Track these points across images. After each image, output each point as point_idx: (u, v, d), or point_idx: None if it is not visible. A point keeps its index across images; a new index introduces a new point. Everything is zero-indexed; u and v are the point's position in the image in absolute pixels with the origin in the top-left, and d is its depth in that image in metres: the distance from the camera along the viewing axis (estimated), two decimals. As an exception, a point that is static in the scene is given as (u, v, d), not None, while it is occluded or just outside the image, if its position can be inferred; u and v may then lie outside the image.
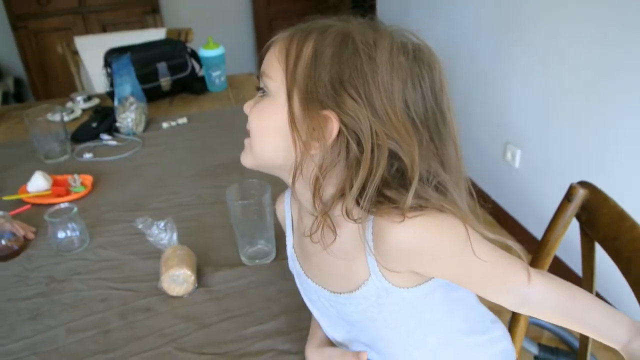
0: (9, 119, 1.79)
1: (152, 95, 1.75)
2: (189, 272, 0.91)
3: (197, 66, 1.89)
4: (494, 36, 2.20)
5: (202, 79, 1.90)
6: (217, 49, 1.81)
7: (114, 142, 1.52)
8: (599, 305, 0.64)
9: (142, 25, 3.44)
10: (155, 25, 3.47)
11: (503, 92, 2.22)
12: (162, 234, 1.01)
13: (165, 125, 1.61)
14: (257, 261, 0.99)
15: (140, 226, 1.02)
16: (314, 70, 0.58)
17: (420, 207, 0.56)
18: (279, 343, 0.81)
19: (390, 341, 0.68)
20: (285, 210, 0.77)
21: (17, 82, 3.67)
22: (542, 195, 2.07)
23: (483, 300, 0.78)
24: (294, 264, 0.75)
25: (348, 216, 0.58)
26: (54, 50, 3.36)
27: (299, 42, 0.59)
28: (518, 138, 2.17)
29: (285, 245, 0.77)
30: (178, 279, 0.91)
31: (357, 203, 0.58)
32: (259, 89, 0.64)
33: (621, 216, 0.87)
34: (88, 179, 1.29)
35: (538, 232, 1.98)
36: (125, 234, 1.09)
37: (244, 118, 0.66)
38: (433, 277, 0.63)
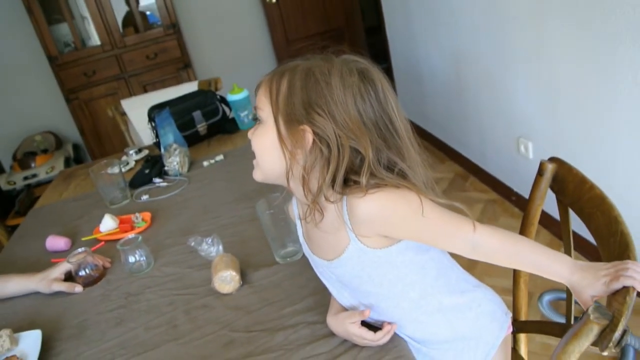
0: (76, 177, 2.10)
1: (192, 140, 2.02)
2: (234, 273, 1.13)
3: (227, 109, 2.15)
4: (493, 40, 2.38)
5: (233, 120, 2.16)
6: (242, 93, 2.07)
7: (164, 184, 1.78)
8: (542, 248, 0.82)
9: (177, 80, 3.79)
10: (189, 78, 3.82)
11: (508, 90, 2.38)
12: (211, 248, 1.24)
13: (205, 163, 1.87)
14: (288, 259, 1.20)
15: (192, 244, 1.26)
16: (290, 99, 0.81)
17: (379, 185, 0.77)
18: (309, 317, 1.02)
19: (379, 295, 0.88)
20: (294, 210, 0.99)
21: (75, 147, 4.09)
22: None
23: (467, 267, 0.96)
24: (305, 249, 0.96)
25: (326, 199, 0.79)
26: (104, 114, 3.75)
27: (277, 81, 0.83)
28: (528, 131, 2.32)
29: None
30: (226, 279, 1.13)
31: (334, 189, 0.79)
32: (255, 119, 0.87)
33: (582, 180, 1.03)
34: (147, 215, 1.55)
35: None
36: (182, 253, 1.33)
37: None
38: (401, 240, 0.82)
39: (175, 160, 1.82)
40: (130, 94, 3.76)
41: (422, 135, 3.47)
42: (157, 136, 1.96)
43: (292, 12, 4.35)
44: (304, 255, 1.20)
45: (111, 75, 3.80)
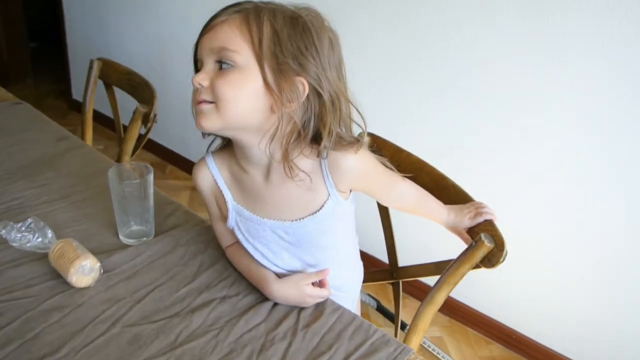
0: None
1: None
2: (95, 260, 0.90)
3: None
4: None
5: None
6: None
7: None
8: (433, 197, 1.00)
9: None
10: None
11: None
12: (29, 236, 0.95)
13: None
14: (144, 239, 1.02)
15: (2, 232, 0.93)
16: (278, 45, 0.73)
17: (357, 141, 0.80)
18: (216, 292, 0.90)
19: (325, 248, 0.89)
20: (214, 174, 0.88)
21: None
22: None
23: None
24: (239, 216, 0.88)
25: (318, 155, 0.77)
26: None
27: (257, 22, 0.73)
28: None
29: (161, 222, 1.01)
30: (85, 270, 0.88)
31: (325, 144, 0.76)
32: (220, 62, 0.74)
33: (398, 150, 1.23)
34: None
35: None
36: (-32, 251, 0.95)
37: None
38: (353, 191, 0.87)
39: None
40: None
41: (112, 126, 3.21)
42: None
43: None
44: (155, 234, 1.04)
45: None
